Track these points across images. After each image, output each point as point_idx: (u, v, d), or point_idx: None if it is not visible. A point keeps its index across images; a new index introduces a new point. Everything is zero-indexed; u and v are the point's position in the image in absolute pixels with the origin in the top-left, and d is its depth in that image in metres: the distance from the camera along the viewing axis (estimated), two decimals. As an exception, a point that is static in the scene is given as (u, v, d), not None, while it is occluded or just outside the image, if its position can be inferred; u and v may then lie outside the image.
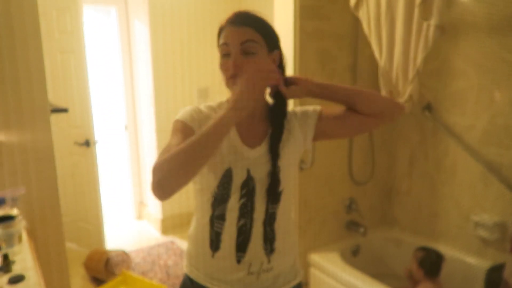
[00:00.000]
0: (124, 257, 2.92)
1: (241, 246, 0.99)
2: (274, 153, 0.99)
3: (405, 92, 2.02)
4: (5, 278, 1.15)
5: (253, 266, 1.00)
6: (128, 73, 3.85)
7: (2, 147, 1.64)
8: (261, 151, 1.00)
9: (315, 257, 2.32)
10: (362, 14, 2.14)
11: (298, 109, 1.10)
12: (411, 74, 1.99)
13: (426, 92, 2.34)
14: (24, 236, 1.43)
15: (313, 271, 2.33)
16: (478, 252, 2.17)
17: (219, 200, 1.00)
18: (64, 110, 2.31)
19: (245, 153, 0.99)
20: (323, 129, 1.07)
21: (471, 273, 2.16)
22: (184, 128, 0.96)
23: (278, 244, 1.02)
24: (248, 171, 0.98)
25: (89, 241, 3.22)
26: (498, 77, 2.01)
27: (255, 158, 0.99)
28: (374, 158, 2.58)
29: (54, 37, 3.01)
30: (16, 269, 1.20)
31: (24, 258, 1.29)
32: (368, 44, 2.18)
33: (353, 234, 2.54)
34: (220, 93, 3.63)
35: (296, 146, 1.05)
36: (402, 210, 2.66)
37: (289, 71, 2.18)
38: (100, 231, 3.18)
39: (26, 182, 1.70)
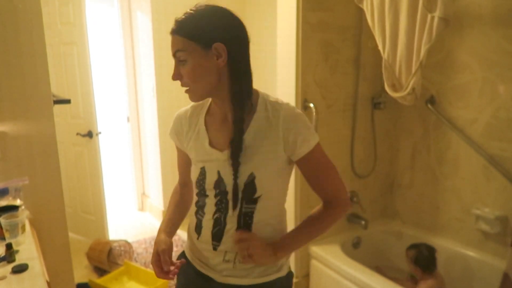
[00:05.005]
0: (127, 248, 2.95)
1: (216, 236, 1.02)
2: (235, 161, 0.96)
3: (408, 84, 2.01)
4: (8, 267, 1.16)
5: (228, 255, 1.02)
6: (130, 64, 3.84)
7: (6, 138, 1.65)
8: (228, 155, 0.97)
9: (316, 249, 2.33)
10: (365, 6, 2.12)
11: (292, 119, 0.98)
12: (414, 66, 1.98)
13: (429, 85, 2.33)
14: (28, 226, 1.44)
15: (314, 263, 2.35)
16: (479, 246, 2.17)
17: (199, 193, 1.05)
18: (67, 101, 2.31)
19: (214, 154, 1.00)
20: (297, 166, 1.05)
21: (471, 266, 2.16)
22: (177, 149, 1.16)
23: None
24: (219, 173, 1.00)
25: (92, 231, 3.25)
26: (503, 70, 1.99)
27: (223, 161, 0.98)
28: (376, 151, 2.57)
29: (56, 28, 3.01)
30: (20, 259, 1.22)
31: (27, 248, 1.30)
32: (371, 36, 2.16)
33: (354, 227, 2.55)
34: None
35: (273, 152, 0.97)
36: (404, 203, 2.66)
37: (292, 63, 2.18)
38: (103, 221, 3.21)
39: (29, 172, 1.71)
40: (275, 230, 1.05)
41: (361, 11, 2.22)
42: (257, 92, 1.02)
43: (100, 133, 3.13)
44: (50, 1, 2.93)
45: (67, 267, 1.91)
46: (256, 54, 3.62)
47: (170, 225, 1.13)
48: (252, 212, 0.99)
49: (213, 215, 1.02)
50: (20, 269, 1.15)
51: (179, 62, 0.95)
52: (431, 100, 2.32)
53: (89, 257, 2.86)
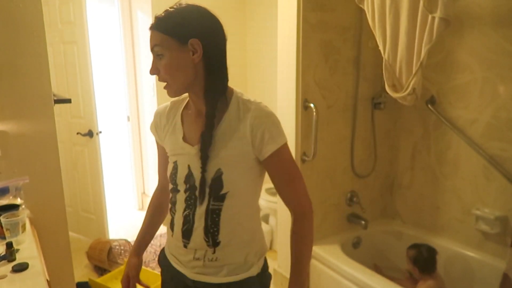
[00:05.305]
0: (127, 247, 2.95)
1: (186, 233, 1.04)
2: (204, 156, 0.98)
3: (409, 85, 2.01)
4: (9, 266, 1.16)
5: (198, 253, 1.04)
6: (131, 63, 3.85)
7: (7, 137, 1.65)
8: (198, 150, 1.00)
9: (316, 249, 2.33)
10: (366, 6, 2.12)
11: (261, 118, 0.98)
12: (415, 67, 1.98)
13: (429, 85, 2.33)
14: (28, 225, 1.44)
15: (314, 263, 2.35)
16: (479, 246, 2.17)
17: (173, 189, 1.08)
18: (68, 101, 2.31)
19: (186, 149, 1.03)
20: (264, 167, 1.05)
21: (471, 266, 2.17)
22: (157, 147, 1.19)
23: (223, 238, 1.02)
24: (189, 167, 1.02)
25: (92, 230, 3.26)
26: (503, 70, 1.99)
27: (193, 155, 1.01)
28: (376, 151, 2.58)
29: (57, 27, 3.01)
30: (20, 258, 1.22)
31: (28, 247, 1.31)
32: (372, 36, 2.16)
33: (354, 227, 2.55)
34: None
35: (241, 150, 0.99)
36: (404, 203, 2.66)
37: (292, 63, 2.18)
38: (103, 221, 3.21)
39: (30, 171, 1.71)
40: (244, 229, 1.06)
41: (361, 11, 2.22)
42: (232, 90, 1.04)
43: (100, 132, 3.13)
44: (50, 1, 2.93)
45: (67, 266, 1.91)
46: (256, 54, 3.64)
47: (143, 245, 1.26)
48: (220, 210, 1.00)
49: (183, 212, 1.04)
50: (21, 268, 1.15)
51: (157, 56, 0.97)
52: (431, 100, 2.32)
53: (89, 256, 2.86)
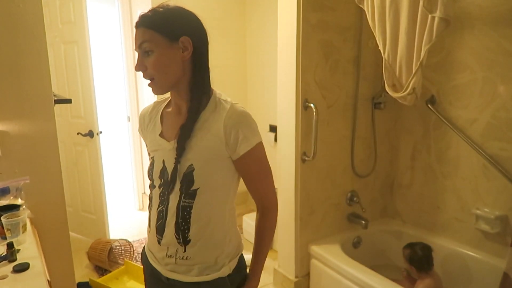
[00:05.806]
0: (127, 247, 2.95)
1: (159, 229, 1.06)
2: (180, 148, 1.00)
3: (409, 84, 2.01)
4: (10, 266, 1.16)
5: (170, 250, 1.06)
6: (131, 63, 3.85)
7: (7, 137, 1.65)
8: (174, 145, 1.02)
9: (316, 249, 2.33)
10: (366, 6, 2.12)
11: (235, 118, 0.99)
12: (414, 66, 1.98)
13: (429, 85, 2.33)
14: (29, 225, 1.44)
15: (314, 263, 2.35)
16: (479, 246, 2.18)
17: (150, 185, 1.10)
18: (68, 101, 2.31)
19: (162, 144, 1.06)
20: (237, 166, 1.06)
21: (471, 266, 2.17)
22: (146, 146, 1.19)
23: (193, 236, 1.03)
24: (164, 162, 1.04)
25: (92, 230, 3.26)
26: (503, 70, 1.99)
27: (169, 150, 1.03)
28: (376, 151, 2.58)
29: (57, 27, 3.01)
30: (21, 258, 1.22)
31: (28, 247, 1.31)
32: (372, 36, 2.17)
33: (354, 227, 2.55)
34: (222, 86, 3.63)
35: (214, 148, 1.00)
36: (404, 203, 2.66)
37: (292, 63, 2.18)
38: (104, 221, 3.21)
39: (30, 172, 1.71)
40: (216, 229, 1.06)
41: (361, 11, 2.23)
42: (212, 90, 1.06)
43: (101, 132, 3.13)
44: (51, 1, 2.93)
45: (68, 266, 1.91)
46: (256, 54, 3.64)
47: None
48: (191, 207, 1.01)
49: (158, 207, 1.06)
50: (21, 268, 1.15)
51: (144, 53, 0.97)
52: (432, 100, 2.33)
53: (90, 256, 2.87)
